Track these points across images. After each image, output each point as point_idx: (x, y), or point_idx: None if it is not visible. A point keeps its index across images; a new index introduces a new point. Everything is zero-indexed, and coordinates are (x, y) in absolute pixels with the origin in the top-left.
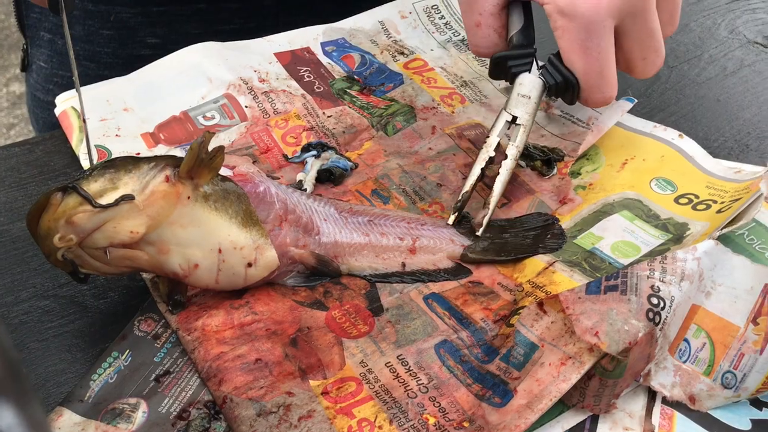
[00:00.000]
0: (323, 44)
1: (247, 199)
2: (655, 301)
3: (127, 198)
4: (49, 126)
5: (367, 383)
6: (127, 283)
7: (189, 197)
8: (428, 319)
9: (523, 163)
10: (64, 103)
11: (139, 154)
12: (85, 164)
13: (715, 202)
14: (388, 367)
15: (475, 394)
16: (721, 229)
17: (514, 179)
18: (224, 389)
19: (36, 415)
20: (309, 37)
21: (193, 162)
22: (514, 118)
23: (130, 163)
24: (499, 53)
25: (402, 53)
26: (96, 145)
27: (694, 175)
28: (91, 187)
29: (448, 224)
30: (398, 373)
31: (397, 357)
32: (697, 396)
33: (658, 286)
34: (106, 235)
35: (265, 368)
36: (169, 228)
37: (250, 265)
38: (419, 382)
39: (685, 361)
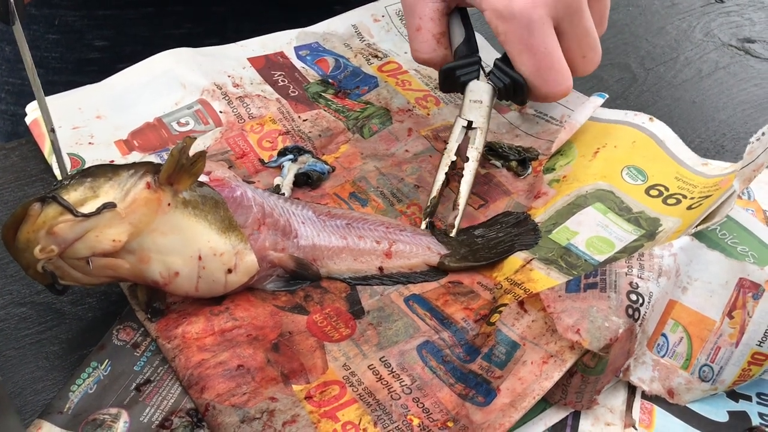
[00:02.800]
0: (297, 48)
1: (225, 205)
2: (634, 297)
3: (109, 206)
4: (5, 134)
5: (350, 386)
6: (105, 290)
7: (169, 204)
8: (410, 320)
9: (498, 164)
10: (35, 111)
11: (113, 161)
12: (58, 173)
13: (684, 197)
14: (370, 369)
15: (458, 393)
16: (696, 227)
17: (490, 180)
18: (206, 396)
19: (12, 424)
20: (282, 41)
21: (174, 168)
22: (470, 123)
23: (109, 170)
24: (446, 65)
25: (376, 56)
26: (69, 153)
27: (664, 162)
28: (71, 196)
29: (426, 231)
30: (381, 375)
31: (380, 359)
32: (676, 390)
33: (636, 283)
34: (88, 245)
35: (248, 374)
36: (150, 236)
37: (230, 271)
38: (402, 384)
39: (663, 356)
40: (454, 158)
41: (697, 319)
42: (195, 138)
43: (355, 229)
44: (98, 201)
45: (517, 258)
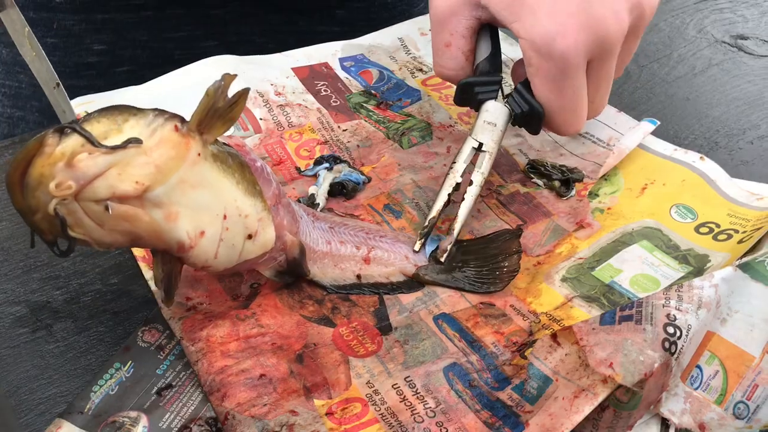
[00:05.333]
0: (342, 59)
1: (249, 168)
2: (671, 330)
3: (135, 141)
4: (1, 137)
5: (373, 405)
6: (99, 287)
7: (199, 154)
8: (438, 340)
9: (540, 182)
10: (78, 107)
11: None
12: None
13: (736, 231)
14: (395, 389)
15: (484, 421)
16: (741, 257)
17: (530, 200)
18: (227, 405)
19: (8, 422)
20: (327, 52)
21: (208, 110)
22: (480, 145)
23: (134, 108)
24: (466, 79)
25: (420, 70)
26: None
27: (716, 201)
28: (94, 128)
29: (409, 240)
30: (405, 396)
31: (405, 379)
32: (708, 425)
33: (674, 315)
34: (108, 183)
35: (270, 385)
36: (180, 187)
37: (250, 237)
38: (426, 406)
39: (696, 388)
40: (459, 180)
41: (735, 353)
42: (235, 75)
43: (337, 233)
44: (123, 136)
45: (559, 294)
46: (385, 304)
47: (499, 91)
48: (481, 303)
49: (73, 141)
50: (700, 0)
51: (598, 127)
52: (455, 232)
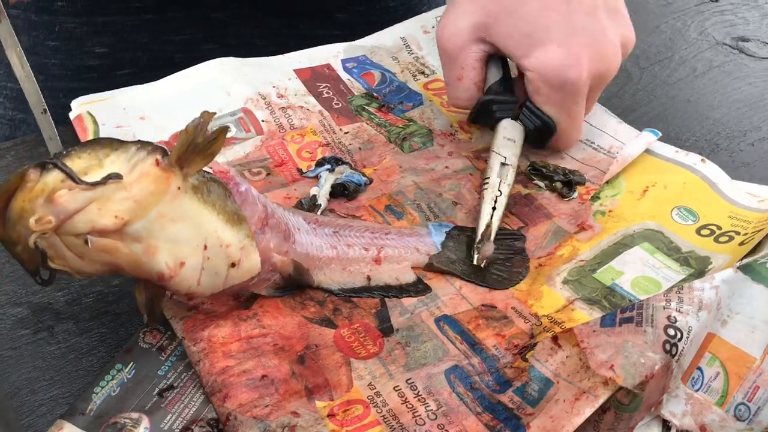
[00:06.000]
0: (344, 61)
1: (232, 196)
2: (672, 332)
3: (115, 177)
4: (3, 139)
5: (374, 407)
6: (100, 289)
7: (179, 188)
8: (439, 342)
9: (541, 184)
10: (80, 107)
11: None
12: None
13: (737, 233)
14: (396, 391)
15: (485, 423)
16: (742, 259)
17: (531, 202)
18: (228, 405)
19: (10, 423)
20: (329, 54)
21: (187, 147)
22: (504, 159)
23: (115, 142)
24: (485, 97)
25: (423, 72)
26: None
27: (717, 203)
28: (74, 163)
29: (414, 232)
30: (407, 398)
31: (406, 381)
32: (709, 426)
33: (674, 317)
34: (88, 218)
35: (271, 385)
36: (159, 222)
37: (233, 265)
38: (428, 408)
39: (697, 390)
40: (498, 193)
41: (735, 355)
42: (214, 113)
43: (343, 237)
44: (103, 171)
45: (560, 296)
46: (386, 305)
47: (514, 110)
48: (483, 305)
49: (54, 176)
50: (702, 2)
51: (600, 135)
52: (492, 238)
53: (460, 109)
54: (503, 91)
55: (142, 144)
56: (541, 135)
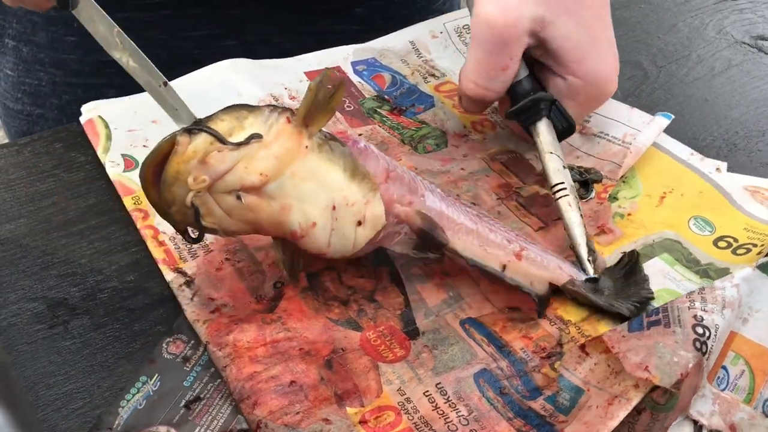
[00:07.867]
0: (354, 63)
1: (351, 152)
2: (700, 330)
3: (257, 137)
4: (21, 134)
5: (406, 414)
6: (115, 285)
7: (306, 146)
8: (466, 345)
9: None
10: (91, 111)
11: None
12: (111, 171)
13: (754, 245)
14: (426, 396)
15: (517, 429)
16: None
17: (550, 202)
18: (258, 413)
19: (26, 417)
20: (339, 56)
21: (311, 105)
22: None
23: (249, 106)
24: (536, 95)
25: (433, 75)
26: (123, 154)
27: (732, 215)
28: (219, 126)
29: (560, 261)
30: (437, 404)
31: (436, 385)
32: (738, 425)
33: (701, 316)
34: (237, 176)
35: (301, 392)
36: (291, 180)
37: (359, 223)
38: (459, 414)
39: (723, 389)
40: (576, 198)
41: (759, 352)
42: (334, 69)
43: (485, 222)
44: (245, 132)
45: (583, 307)
46: (411, 306)
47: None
48: (507, 307)
49: (202, 139)
50: (720, 0)
51: (612, 125)
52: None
53: (479, 100)
54: (541, 88)
55: (272, 107)
56: (560, 136)
